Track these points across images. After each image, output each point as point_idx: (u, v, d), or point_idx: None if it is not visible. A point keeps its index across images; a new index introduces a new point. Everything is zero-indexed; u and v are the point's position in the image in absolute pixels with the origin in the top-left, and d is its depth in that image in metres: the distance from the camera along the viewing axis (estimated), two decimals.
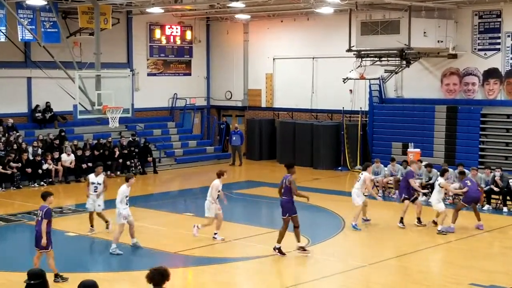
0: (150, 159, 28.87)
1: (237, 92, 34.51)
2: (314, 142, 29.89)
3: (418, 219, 18.83)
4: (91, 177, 17.72)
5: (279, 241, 15.43)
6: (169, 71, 33.59)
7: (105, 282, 13.51)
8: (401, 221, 18.69)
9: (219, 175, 16.89)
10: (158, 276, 7.48)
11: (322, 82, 31.03)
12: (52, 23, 26.39)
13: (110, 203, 17.34)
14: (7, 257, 15.81)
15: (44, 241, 13.13)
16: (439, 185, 18.42)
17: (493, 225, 18.89)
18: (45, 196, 13.65)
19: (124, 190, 16.00)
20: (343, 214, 20.21)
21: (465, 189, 18.56)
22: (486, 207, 21.13)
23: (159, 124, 32.53)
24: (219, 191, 16.82)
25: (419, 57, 26.85)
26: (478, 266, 14.86)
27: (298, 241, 15.50)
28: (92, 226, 17.70)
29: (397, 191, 23.05)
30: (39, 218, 13.36)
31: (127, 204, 16.04)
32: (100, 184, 17.51)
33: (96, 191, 17.45)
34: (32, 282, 7.47)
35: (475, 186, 18.86)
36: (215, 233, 16.97)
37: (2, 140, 25.62)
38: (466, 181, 18.86)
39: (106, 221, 17.62)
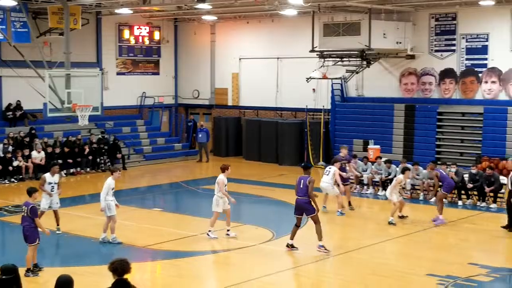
0: (119, 155, 28.72)
1: (204, 91, 34.47)
2: (278, 139, 30.01)
3: (349, 202, 20.29)
4: (47, 176, 16.77)
5: (292, 238, 15.45)
6: (138, 71, 33.43)
7: (79, 277, 13.44)
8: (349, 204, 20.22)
9: (224, 169, 16.80)
10: (121, 267, 7.53)
11: (286, 82, 31.14)
12: (22, 23, 26.10)
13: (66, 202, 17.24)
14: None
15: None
16: (395, 180, 18.84)
17: (448, 218, 19.18)
18: (30, 192, 13.52)
19: (109, 182, 15.99)
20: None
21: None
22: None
23: (128, 122, 32.37)
24: (225, 185, 16.75)
25: (379, 57, 27.10)
26: (435, 257, 15.09)
27: (292, 238, 15.49)
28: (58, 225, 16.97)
29: (358, 186, 23.33)
30: (25, 214, 13.27)
31: (113, 196, 16.09)
32: (56, 183, 16.84)
33: (53, 191, 16.74)
34: (4, 277, 7.44)
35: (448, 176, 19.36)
36: (228, 230, 16.68)
37: None
38: (440, 171, 19.23)
39: (58, 224, 16.91)
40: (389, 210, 18.78)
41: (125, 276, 7.47)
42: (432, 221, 18.50)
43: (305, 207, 15.27)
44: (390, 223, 18.23)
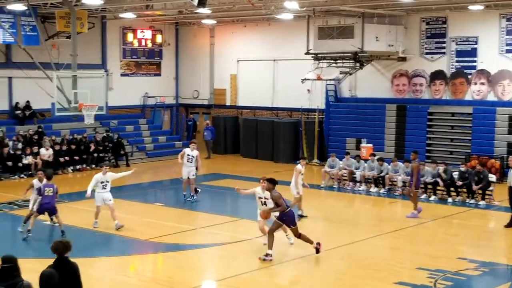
0: (123, 153, 28.62)
1: (204, 91, 34.38)
2: (274, 138, 29.91)
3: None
4: (35, 182, 16.36)
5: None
6: (141, 72, 33.34)
7: (82, 267, 13.34)
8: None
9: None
10: (61, 247, 8.00)
11: (282, 83, 31.05)
12: (31, 26, 26.01)
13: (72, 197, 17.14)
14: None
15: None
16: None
17: (438, 214, 19.10)
18: (51, 176, 16.02)
19: (96, 176, 16.90)
20: (301, 203, 20.20)
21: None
22: (433, 197, 21.32)
23: (131, 120, 32.26)
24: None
25: (371, 59, 27.01)
26: (425, 252, 14.97)
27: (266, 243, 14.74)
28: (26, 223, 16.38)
29: (351, 183, 23.23)
30: (51, 194, 15.58)
31: (104, 188, 16.73)
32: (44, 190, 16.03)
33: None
34: (4, 266, 7.58)
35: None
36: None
37: None
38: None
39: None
40: (380, 206, 18.69)
41: (66, 254, 7.98)
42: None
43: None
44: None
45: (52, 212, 15.99)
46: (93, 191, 16.95)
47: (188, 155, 20.06)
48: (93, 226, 16.84)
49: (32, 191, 16.42)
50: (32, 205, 16.27)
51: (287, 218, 14.16)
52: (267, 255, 13.99)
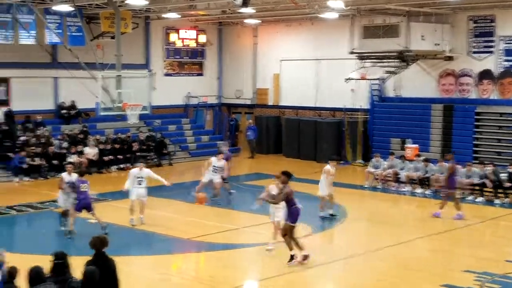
0: (166, 152, 28.89)
1: (246, 91, 34.47)
2: (317, 138, 29.81)
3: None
4: (65, 175, 16.48)
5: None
6: (184, 72, 33.60)
7: (127, 266, 13.51)
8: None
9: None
10: (99, 242, 8.31)
11: (325, 82, 30.91)
12: (77, 27, 26.44)
13: (116, 195, 17.34)
14: (36, 241, 15.78)
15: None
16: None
17: (485, 215, 18.78)
18: (83, 173, 16.79)
19: (132, 171, 17.42)
20: (345, 204, 20.13)
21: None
22: (480, 199, 20.97)
23: (174, 120, 32.53)
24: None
25: (417, 59, 26.68)
26: (471, 254, 14.74)
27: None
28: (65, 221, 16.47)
29: (395, 184, 22.99)
30: (86, 190, 15.83)
31: (139, 184, 17.07)
32: (74, 182, 16.27)
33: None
34: (57, 261, 7.83)
35: None
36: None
37: (31, 135, 25.71)
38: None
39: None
40: (425, 207, 18.46)
41: (103, 249, 8.29)
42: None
43: None
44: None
45: (89, 208, 16.08)
46: None
47: (215, 166, 19.87)
48: (130, 223, 17.00)
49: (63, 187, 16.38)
50: (64, 203, 16.30)
51: (290, 215, 13.75)
52: (291, 258, 13.64)
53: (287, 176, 13.78)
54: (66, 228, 16.00)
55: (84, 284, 7.37)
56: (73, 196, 15.98)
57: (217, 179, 19.91)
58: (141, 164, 17.78)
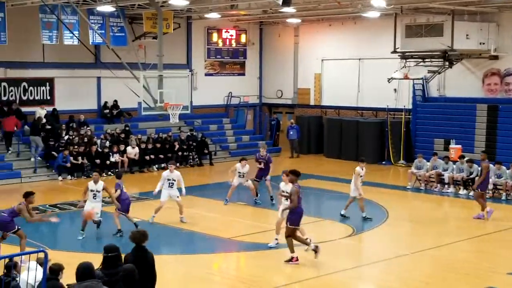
0: (206, 152, 29.14)
1: (287, 91, 34.51)
2: (359, 138, 29.69)
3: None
4: (90, 184, 16.19)
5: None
6: (225, 72, 33.82)
7: (168, 264, 13.74)
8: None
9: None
10: (138, 236, 8.69)
11: (367, 82, 30.76)
12: (119, 27, 26.84)
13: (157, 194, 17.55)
14: (78, 239, 16.09)
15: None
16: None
17: None
18: (121, 175, 17.30)
19: (163, 174, 17.81)
20: (387, 205, 20.07)
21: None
22: None
23: (215, 120, 32.77)
24: (361, 176, 17.70)
25: (461, 58, 26.35)
26: None
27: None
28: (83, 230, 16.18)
29: (439, 185, 22.78)
30: (125, 191, 16.48)
31: (170, 187, 17.50)
32: (99, 191, 16.09)
33: (95, 198, 16.11)
34: (109, 254, 8.15)
35: None
36: None
37: (74, 134, 26.21)
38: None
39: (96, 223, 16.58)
40: (469, 209, 18.26)
41: (144, 244, 8.66)
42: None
43: None
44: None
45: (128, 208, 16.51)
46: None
47: (239, 172, 19.78)
48: (150, 220, 17.26)
49: (87, 195, 16.15)
50: (85, 208, 15.99)
51: (292, 216, 13.81)
52: (291, 258, 13.81)
53: (295, 175, 13.85)
54: (83, 236, 15.94)
55: (124, 281, 7.53)
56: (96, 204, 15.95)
57: (245, 182, 19.91)
58: (171, 166, 18.01)
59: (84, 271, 7.29)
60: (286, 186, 14.60)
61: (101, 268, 8.09)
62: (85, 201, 16.29)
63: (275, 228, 15.20)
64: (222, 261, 15.01)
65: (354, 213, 18.23)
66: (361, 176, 17.88)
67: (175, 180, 17.57)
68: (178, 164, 27.83)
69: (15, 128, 25.13)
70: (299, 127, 31.72)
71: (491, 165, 21.87)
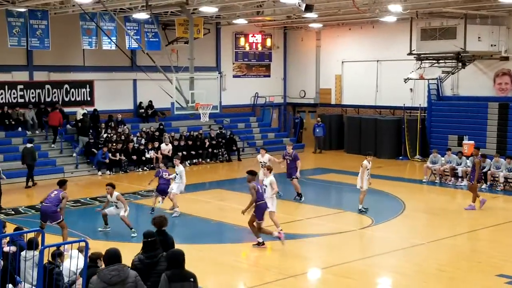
0: (235, 148, 29.18)
1: (310, 91, 34.40)
2: (377, 135, 29.50)
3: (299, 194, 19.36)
4: (108, 197, 15.49)
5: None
6: (251, 74, 33.81)
7: (200, 252, 13.79)
8: (298, 195, 19.29)
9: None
10: (160, 221, 9.39)
11: (385, 82, 30.56)
12: (154, 33, 26.97)
13: (189, 188, 17.56)
14: (117, 229, 16.22)
15: None
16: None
17: None
18: (166, 163, 17.65)
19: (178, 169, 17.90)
20: (404, 197, 19.92)
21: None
22: None
23: (243, 118, 32.78)
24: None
25: (473, 59, 26.05)
26: None
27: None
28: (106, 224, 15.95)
29: (453, 178, 22.54)
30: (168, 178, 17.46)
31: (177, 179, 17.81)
32: (116, 202, 15.42)
33: (117, 208, 15.46)
34: (149, 239, 8.34)
35: None
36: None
37: (112, 132, 26.42)
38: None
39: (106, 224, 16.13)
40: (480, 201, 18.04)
41: (164, 228, 9.40)
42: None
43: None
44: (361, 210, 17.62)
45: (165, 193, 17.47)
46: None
47: (260, 162, 18.79)
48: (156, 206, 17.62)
49: (106, 206, 15.77)
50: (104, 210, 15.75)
51: (256, 210, 14.17)
52: (258, 243, 14.26)
53: (252, 174, 14.34)
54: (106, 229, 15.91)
55: (170, 264, 7.59)
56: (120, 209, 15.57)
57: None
58: (176, 160, 18.19)
59: (111, 256, 7.35)
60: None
61: (142, 252, 8.25)
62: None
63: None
64: (249, 250, 15.00)
65: (372, 205, 18.12)
66: (367, 169, 17.73)
67: (178, 175, 17.60)
68: (208, 160, 28.06)
69: (59, 124, 25.42)
70: (324, 125, 31.63)
71: (501, 159, 21.68)
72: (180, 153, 25.54)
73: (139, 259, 8.16)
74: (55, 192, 13.96)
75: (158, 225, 9.31)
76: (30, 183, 22.31)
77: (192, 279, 7.52)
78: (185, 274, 7.52)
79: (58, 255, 9.07)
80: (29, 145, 22.21)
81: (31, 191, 21.68)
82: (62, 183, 14.11)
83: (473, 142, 24.68)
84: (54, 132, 25.48)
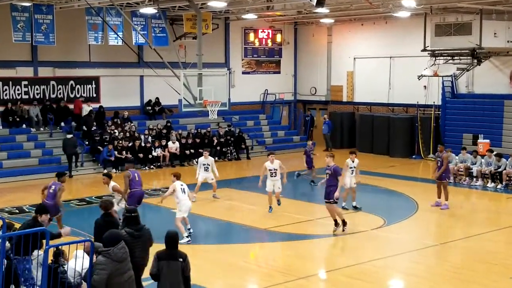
0: (244, 146, 29.17)
1: (321, 88, 34.34)
2: (390, 133, 29.43)
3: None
4: (106, 187, 15.56)
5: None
6: (261, 70, 33.80)
7: (207, 253, 13.81)
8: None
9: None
10: (107, 204, 10.29)
11: (398, 79, 30.46)
12: (161, 28, 26.99)
13: None
14: None
15: None
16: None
17: None
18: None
19: (199, 159, 19.52)
20: (417, 197, 19.85)
21: None
22: None
23: (252, 116, 32.78)
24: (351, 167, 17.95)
25: (489, 56, 25.92)
26: None
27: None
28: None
29: (467, 178, 22.44)
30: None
31: (206, 170, 19.13)
32: (113, 194, 15.45)
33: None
34: (132, 214, 9.29)
35: None
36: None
37: (118, 130, 26.47)
38: None
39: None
40: (496, 201, 17.94)
41: (109, 211, 10.26)
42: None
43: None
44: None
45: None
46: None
47: (270, 169, 18.01)
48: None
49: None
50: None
51: (128, 199, 15.28)
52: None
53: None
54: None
55: (167, 244, 8.47)
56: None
57: (278, 186, 18.02)
58: (206, 152, 19.55)
59: (112, 236, 8.17)
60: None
61: (126, 226, 9.16)
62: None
63: None
64: (258, 251, 15.01)
65: (385, 205, 18.07)
66: (351, 168, 17.82)
67: (209, 165, 19.11)
68: (216, 158, 28.06)
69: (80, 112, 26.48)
70: (331, 122, 31.56)
71: None
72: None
73: (128, 233, 8.97)
74: (53, 187, 14.20)
75: (104, 208, 10.22)
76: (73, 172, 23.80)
77: (181, 259, 8.30)
78: (175, 254, 8.33)
79: (61, 254, 9.10)
80: (69, 136, 24.21)
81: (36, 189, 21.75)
82: (60, 175, 14.53)
83: (488, 141, 24.61)
84: (77, 122, 26.39)
